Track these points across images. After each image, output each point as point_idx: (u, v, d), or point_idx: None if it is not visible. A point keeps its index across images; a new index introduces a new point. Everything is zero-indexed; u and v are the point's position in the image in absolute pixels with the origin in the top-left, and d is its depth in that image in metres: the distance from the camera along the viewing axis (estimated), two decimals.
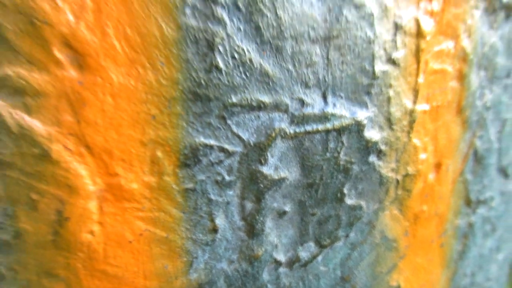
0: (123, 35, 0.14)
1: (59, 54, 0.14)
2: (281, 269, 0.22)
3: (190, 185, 0.18)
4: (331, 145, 0.20)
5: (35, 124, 0.14)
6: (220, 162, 0.18)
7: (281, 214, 0.21)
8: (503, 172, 0.30)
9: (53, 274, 0.18)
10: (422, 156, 0.23)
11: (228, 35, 0.15)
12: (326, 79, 0.19)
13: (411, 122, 0.22)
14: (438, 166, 0.24)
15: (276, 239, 0.21)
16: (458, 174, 0.26)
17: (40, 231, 0.16)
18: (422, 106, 0.22)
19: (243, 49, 0.16)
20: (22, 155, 0.15)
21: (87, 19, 0.13)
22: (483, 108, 0.25)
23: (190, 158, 0.17)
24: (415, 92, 0.21)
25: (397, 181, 0.23)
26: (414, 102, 0.21)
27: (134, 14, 0.14)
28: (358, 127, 0.20)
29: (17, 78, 0.14)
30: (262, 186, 0.19)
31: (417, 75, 0.21)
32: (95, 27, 0.13)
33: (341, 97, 0.19)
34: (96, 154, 0.16)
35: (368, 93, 0.20)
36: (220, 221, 0.19)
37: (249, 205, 0.20)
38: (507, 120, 0.27)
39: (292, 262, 0.22)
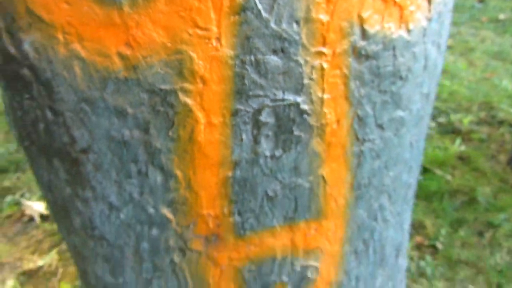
0: None
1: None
2: (268, 159, 0.53)
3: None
4: (286, 110, 0.51)
5: (190, 101, 0.46)
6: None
7: (267, 136, 0.52)
8: (380, 126, 0.60)
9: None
10: (329, 116, 0.54)
11: None
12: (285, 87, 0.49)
13: (322, 103, 0.52)
14: (337, 121, 0.55)
15: (265, 146, 0.52)
16: (350, 126, 0.57)
17: (185, 135, 0.48)
18: (326, 96, 0.52)
19: None
20: (184, 108, 0.46)
21: None
22: (359, 97, 0.55)
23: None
24: (323, 92, 0.52)
25: (317, 127, 0.54)
26: (322, 94, 0.52)
27: None
28: (297, 104, 0.51)
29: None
30: (261, 124, 0.50)
31: (323, 85, 0.51)
32: None
33: (291, 94, 0.50)
34: (206, 109, 0.47)
35: (302, 92, 0.50)
36: (244, 137, 0.50)
37: (255, 132, 0.51)
38: (376, 102, 0.57)
39: (272, 157, 0.53)
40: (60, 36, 0.40)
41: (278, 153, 0.53)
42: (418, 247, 1.58)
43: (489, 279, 1.43)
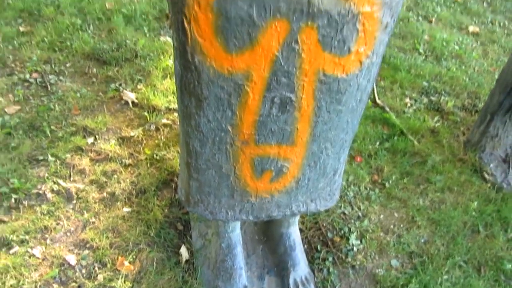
0: None
1: None
2: (274, 116, 1.23)
3: None
4: (286, 98, 1.19)
5: (248, 88, 1.14)
6: None
7: (276, 107, 1.20)
8: (328, 112, 1.28)
9: None
10: (303, 103, 1.22)
11: None
12: None
13: (301, 98, 1.20)
14: (307, 106, 1.22)
15: (274, 111, 1.21)
16: (313, 109, 1.24)
17: (243, 100, 1.17)
18: (304, 96, 1.20)
19: None
20: (245, 90, 1.15)
21: None
22: (319, 98, 1.22)
23: None
24: (302, 93, 1.19)
25: (298, 107, 1.22)
26: (302, 95, 1.19)
27: None
28: (290, 97, 1.19)
29: None
30: (274, 102, 1.18)
31: (303, 91, 1.19)
32: None
33: (289, 93, 1.18)
34: (253, 92, 1.15)
35: (293, 93, 1.18)
36: (266, 105, 1.19)
37: (271, 104, 1.19)
38: (327, 101, 1.24)
39: (276, 115, 1.23)
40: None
41: (279, 114, 1.22)
42: (373, 182, 2.29)
43: (408, 212, 2.15)
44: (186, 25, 1.03)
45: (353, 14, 1.05)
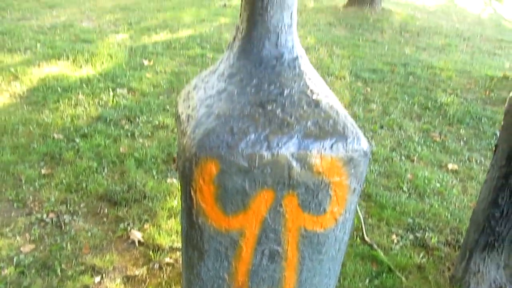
0: None
1: None
2: (265, 266, 1.43)
3: None
4: (273, 251, 1.40)
5: (242, 243, 1.36)
6: None
7: (266, 258, 1.41)
8: (311, 260, 1.48)
9: None
10: (289, 255, 1.43)
11: None
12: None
13: (287, 250, 1.41)
14: (292, 257, 1.43)
15: (264, 261, 1.42)
16: (298, 259, 1.45)
17: (238, 253, 1.38)
18: (289, 248, 1.41)
19: None
20: (239, 244, 1.37)
21: None
22: (302, 249, 1.44)
23: None
24: (287, 246, 1.41)
25: (284, 257, 1.42)
26: (287, 247, 1.41)
27: None
28: (277, 249, 1.40)
29: None
30: (264, 253, 1.39)
31: (288, 244, 1.40)
32: None
33: (276, 245, 1.39)
34: (246, 246, 1.37)
35: (280, 245, 1.40)
36: (258, 257, 1.39)
37: (261, 256, 1.40)
38: (309, 252, 1.46)
39: (266, 265, 1.43)
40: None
41: (268, 264, 1.42)
42: None
43: None
44: (192, 193, 1.29)
45: (326, 183, 1.31)
